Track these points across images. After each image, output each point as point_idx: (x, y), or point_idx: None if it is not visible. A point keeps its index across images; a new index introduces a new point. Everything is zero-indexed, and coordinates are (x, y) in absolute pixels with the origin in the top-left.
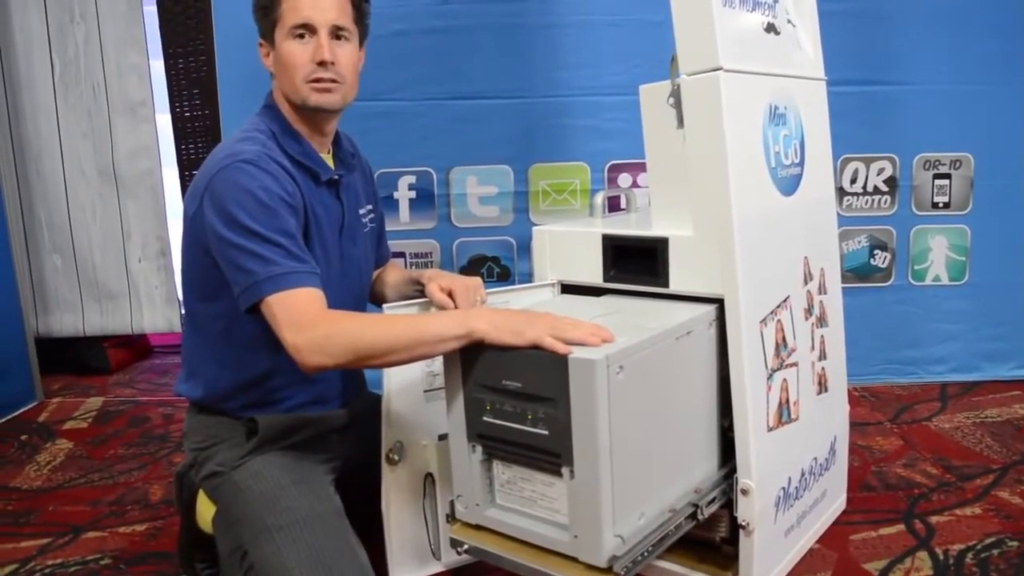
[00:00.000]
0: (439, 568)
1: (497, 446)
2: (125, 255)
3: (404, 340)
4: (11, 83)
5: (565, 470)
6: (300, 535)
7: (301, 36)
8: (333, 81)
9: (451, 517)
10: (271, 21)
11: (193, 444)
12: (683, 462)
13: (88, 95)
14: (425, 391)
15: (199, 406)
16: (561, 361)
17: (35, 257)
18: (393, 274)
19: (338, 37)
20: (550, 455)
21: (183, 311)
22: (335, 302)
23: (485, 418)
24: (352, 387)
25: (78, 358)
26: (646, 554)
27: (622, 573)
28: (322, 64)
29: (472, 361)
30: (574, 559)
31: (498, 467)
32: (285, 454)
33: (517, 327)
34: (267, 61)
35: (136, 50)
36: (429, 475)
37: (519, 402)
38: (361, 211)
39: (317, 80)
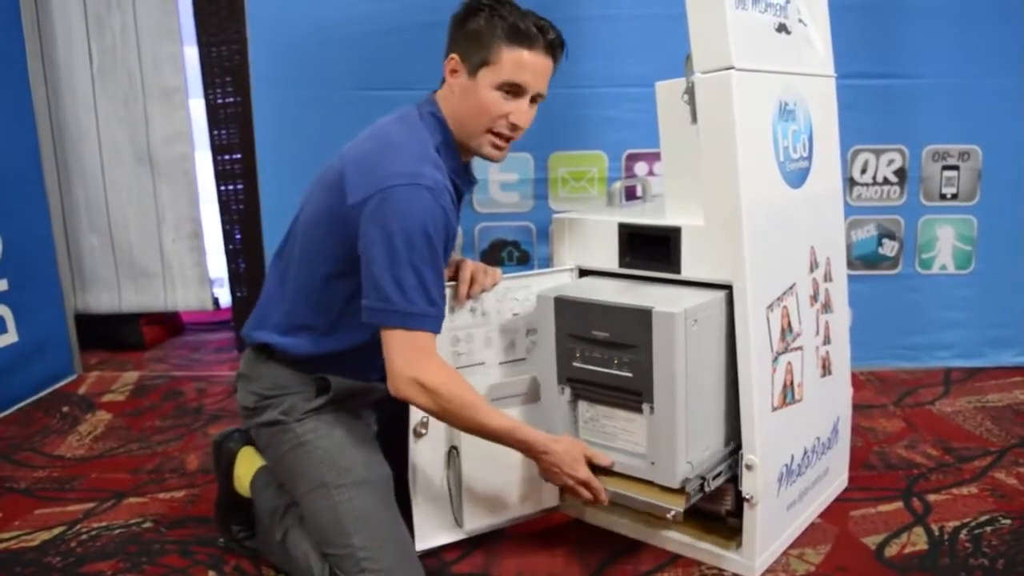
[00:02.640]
0: (461, 536)
1: (584, 388)
2: (159, 236)
3: (487, 435)
4: (51, 72)
5: (646, 406)
6: (356, 495)
7: (507, 91)
8: (510, 140)
9: None
10: (482, 56)
11: (257, 388)
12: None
13: (124, 82)
14: None
15: (269, 352)
16: (646, 313)
17: (74, 238)
18: None
19: (534, 100)
20: (632, 394)
21: (282, 266)
22: None
23: (575, 364)
24: None
25: (114, 334)
26: (711, 481)
27: (691, 492)
28: (514, 127)
29: (564, 315)
30: (650, 483)
31: (583, 406)
32: (345, 416)
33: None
34: (453, 78)
35: (170, 38)
36: (453, 448)
37: (606, 349)
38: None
39: (500, 136)
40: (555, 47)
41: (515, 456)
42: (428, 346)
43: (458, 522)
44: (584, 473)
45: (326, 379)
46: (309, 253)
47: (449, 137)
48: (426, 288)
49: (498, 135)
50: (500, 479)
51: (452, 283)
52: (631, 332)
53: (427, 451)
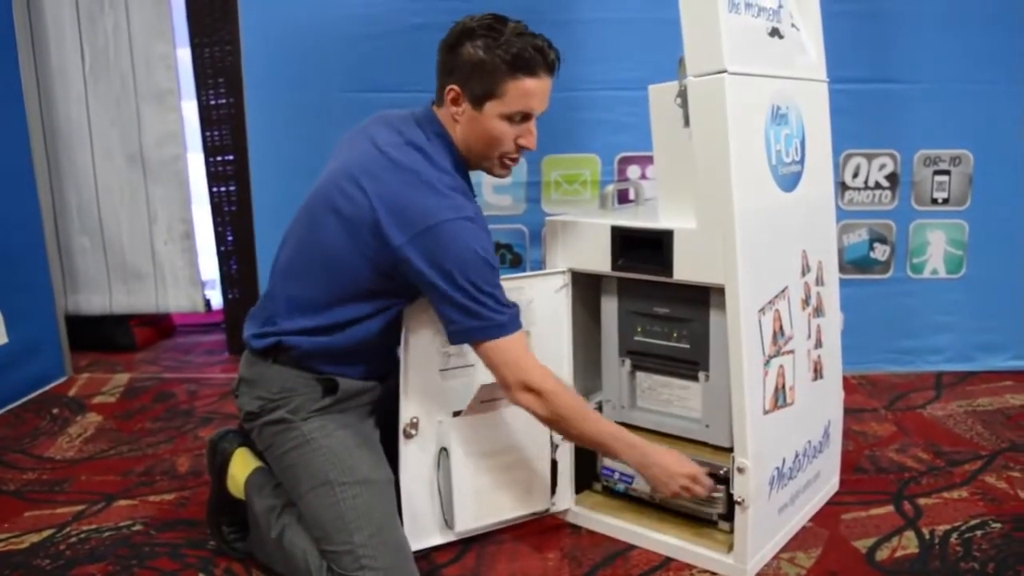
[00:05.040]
0: (452, 537)
1: (643, 360)
2: (151, 238)
3: (595, 443)
4: (43, 72)
5: (701, 374)
6: (359, 493)
7: (516, 120)
8: (517, 159)
9: None
10: (486, 88)
11: (263, 392)
12: None
13: (117, 83)
14: (441, 370)
15: (274, 356)
16: (704, 292)
17: (65, 239)
18: None
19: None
20: (689, 364)
21: (293, 281)
22: None
23: (636, 337)
24: (394, 364)
25: (105, 336)
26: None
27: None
28: (522, 147)
29: (627, 292)
30: (703, 444)
31: (641, 376)
32: (350, 415)
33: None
34: (455, 106)
35: (163, 39)
36: (443, 449)
37: (666, 323)
38: None
39: (509, 158)
40: (555, 64)
41: (506, 457)
42: (522, 344)
43: (448, 523)
44: (692, 467)
45: (333, 380)
46: (335, 277)
47: (457, 157)
48: (499, 298)
49: (508, 157)
50: (491, 480)
51: None
52: (689, 307)
53: (417, 451)
